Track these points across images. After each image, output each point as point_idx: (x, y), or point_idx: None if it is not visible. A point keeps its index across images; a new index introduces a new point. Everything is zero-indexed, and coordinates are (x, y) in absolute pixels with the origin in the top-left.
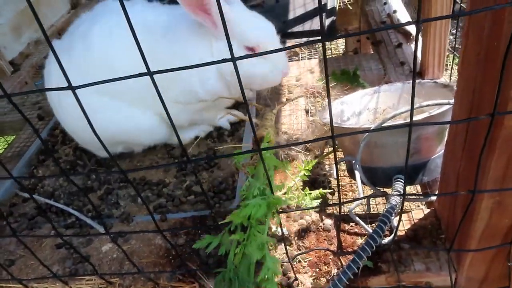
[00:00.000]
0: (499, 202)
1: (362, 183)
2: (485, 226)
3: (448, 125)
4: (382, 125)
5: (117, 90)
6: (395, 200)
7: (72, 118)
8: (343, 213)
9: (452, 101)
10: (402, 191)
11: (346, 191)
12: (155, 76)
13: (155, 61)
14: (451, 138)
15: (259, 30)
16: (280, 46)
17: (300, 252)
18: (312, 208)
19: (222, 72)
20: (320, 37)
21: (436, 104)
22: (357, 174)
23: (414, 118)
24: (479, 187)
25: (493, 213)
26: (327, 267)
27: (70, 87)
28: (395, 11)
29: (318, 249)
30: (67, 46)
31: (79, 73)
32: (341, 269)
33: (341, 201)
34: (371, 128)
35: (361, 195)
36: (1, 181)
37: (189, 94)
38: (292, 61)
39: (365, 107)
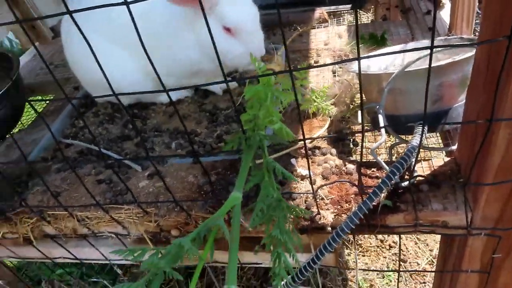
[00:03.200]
0: None
1: (386, 132)
2: (501, 159)
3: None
4: (405, 69)
5: (116, 35)
6: (416, 141)
7: (75, 58)
8: (365, 160)
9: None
10: (423, 136)
11: (370, 142)
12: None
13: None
14: (473, 77)
15: (239, 12)
16: (260, 30)
17: (323, 184)
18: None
19: (202, 46)
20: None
21: (460, 45)
22: (380, 118)
23: (437, 64)
24: (497, 117)
25: (509, 145)
26: (348, 204)
27: (68, 12)
28: None
29: (340, 181)
30: None
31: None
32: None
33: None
34: (393, 74)
35: (383, 138)
36: (47, 130)
37: (173, 61)
38: (321, 27)
39: (391, 63)
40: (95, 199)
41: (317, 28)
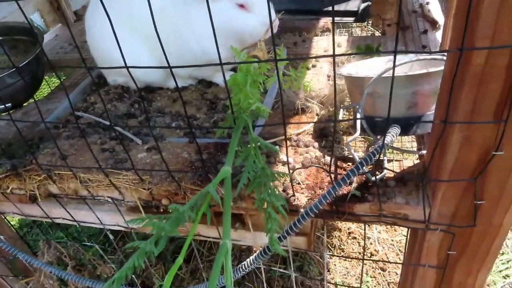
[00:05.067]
0: (467, 137)
1: (363, 130)
2: (455, 160)
3: None
4: (383, 75)
5: (134, 24)
6: (387, 139)
7: (95, 41)
8: (340, 155)
9: (445, 57)
10: (395, 136)
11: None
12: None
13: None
14: (442, 84)
15: None
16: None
17: (300, 167)
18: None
19: (218, 28)
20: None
21: (434, 59)
22: (358, 116)
23: (412, 73)
24: (451, 120)
25: (462, 148)
26: (322, 191)
27: None
28: (427, 3)
29: (312, 166)
30: None
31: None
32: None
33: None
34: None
35: (358, 133)
36: (60, 102)
37: (186, 52)
38: (324, 35)
39: (378, 71)
40: (98, 163)
41: (320, 36)
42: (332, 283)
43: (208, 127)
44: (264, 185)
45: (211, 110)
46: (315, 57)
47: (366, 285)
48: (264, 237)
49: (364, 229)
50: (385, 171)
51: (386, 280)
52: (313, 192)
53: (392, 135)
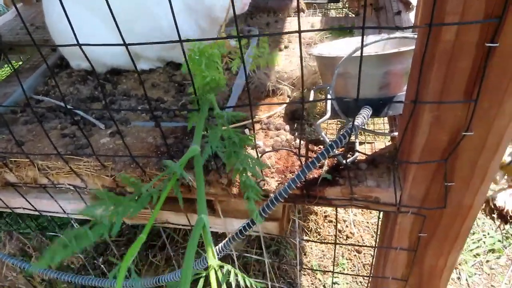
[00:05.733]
0: (437, 116)
1: (336, 113)
2: (425, 141)
3: None
4: (353, 54)
5: (95, 5)
6: (358, 121)
7: (53, 23)
8: (312, 139)
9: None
10: (366, 117)
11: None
12: (123, 6)
13: None
14: (413, 63)
15: None
16: None
17: (268, 151)
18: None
19: (188, 3)
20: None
21: (405, 37)
22: (329, 97)
23: (383, 53)
24: (421, 99)
25: (432, 127)
26: (292, 175)
27: None
28: None
29: (282, 148)
30: None
31: None
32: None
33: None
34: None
35: (328, 115)
36: (18, 86)
37: (155, 30)
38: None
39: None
40: (57, 149)
41: (293, 16)
42: (308, 267)
43: (174, 109)
44: (236, 154)
45: (179, 93)
46: (280, 34)
47: (342, 267)
48: (235, 223)
49: (336, 213)
50: (357, 153)
51: (361, 262)
52: (283, 176)
53: (363, 117)
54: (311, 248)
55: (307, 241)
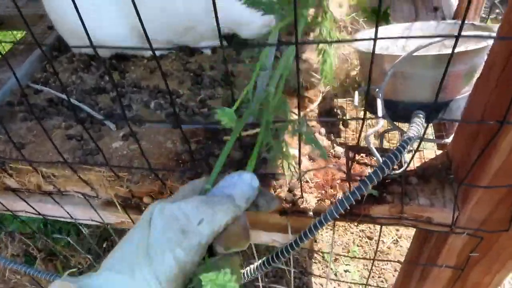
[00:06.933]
0: None
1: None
2: (502, 163)
3: (480, 66)
4: (416, 53)
5: None
6: (413, 132)
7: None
8: (353, 144)
9: (494, 34)
10: (421, 126)
11: (359, 122)
12: None
13: None
14: (485, 70)
15: None
16: None
17: (308, 169)
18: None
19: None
20: None
21: (477, 36)
22: (379, 102)
23: (444, 52)
24: (509, 119)
25: None
26: (333, 190)
27: None
28: None
29: (327, 167)
30: None
31: None
32: (346, 193)
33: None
34: (401, 56)
35: (380, 125)
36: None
37: (169, 14)
38: None
39: (393, 42)
40: (63, 156)
41: None
42: (320, 253)
43: (194, 107)
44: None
45: (196, 84)
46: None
47: (353, 254)
48: (263, 236)
49: (380, 232)
50: (405, 165)
51: (373, 248)
52: (323, 191)
53: (417, 125)
54: (321, 235)
55: (337, 255)
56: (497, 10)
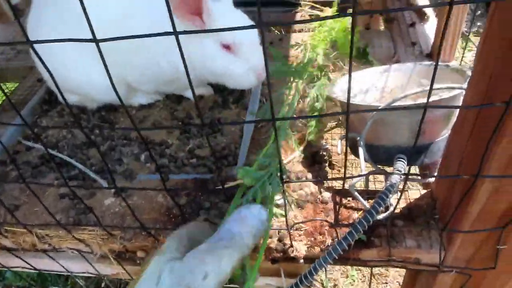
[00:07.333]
0: (497, 188)
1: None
2: (480, 209)
3: (456, 110)
4: (393, 104)
5: (85, 35)
6: (396, 178)
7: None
8: (339, 187)
9: (464, 85)
10: (403, 171)
11: (347, 167)
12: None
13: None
14: (459, 122)
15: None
16: (258, 46)
17: (298, 221)
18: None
19: (193, 66)
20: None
21: (448, 88)
22: (361, 150)
23: (422, 100)
24: (482, 172)
25: (490, 198)
26: (322, 237)
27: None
28: None
29: (316, 219)
30: None
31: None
32: (336, 240)
33: (344, 176)
34: (380, 107)
35: (363, 172)
36: (4, 128)
37: (154, 68)
38: (303, 31)
39: (372, 85)
40: (55, 218)
41: (298, 32)
42: (318, 281)
43: (184, 157)
44: None
45: (185, 133)
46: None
47: (352, 279)
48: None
49: (371, 273)
50: (391, 208)
51: (369, 271)
52: (312, 239)
53: (399, 170)
54: None
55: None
56: (479, 23)
